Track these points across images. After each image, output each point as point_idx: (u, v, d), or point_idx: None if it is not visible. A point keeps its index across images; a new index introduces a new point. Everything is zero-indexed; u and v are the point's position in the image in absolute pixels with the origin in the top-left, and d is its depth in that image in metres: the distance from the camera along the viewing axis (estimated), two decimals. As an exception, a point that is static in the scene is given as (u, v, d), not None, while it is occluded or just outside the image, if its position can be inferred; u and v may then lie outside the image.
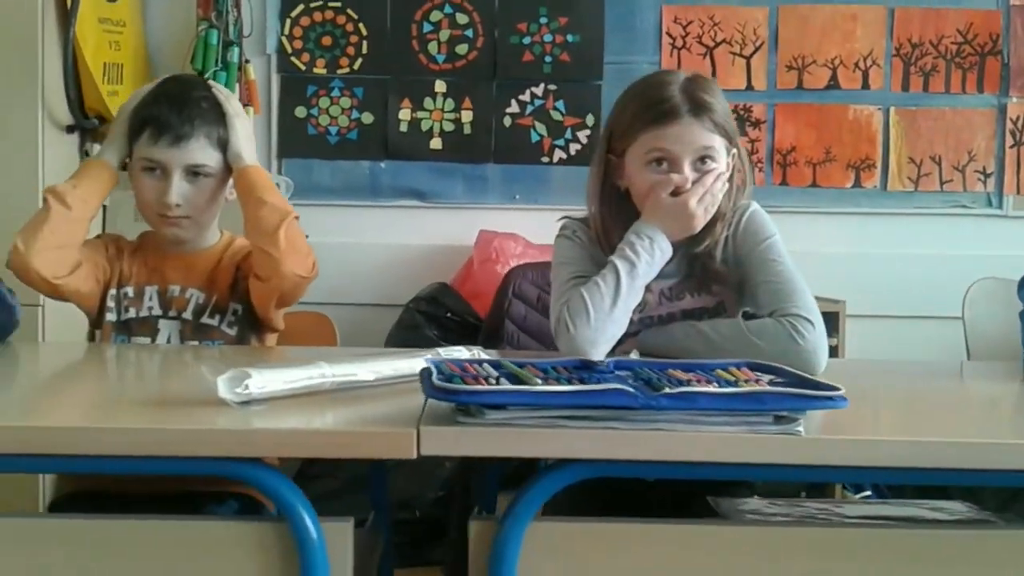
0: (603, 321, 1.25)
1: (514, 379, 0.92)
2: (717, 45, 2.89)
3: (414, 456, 0.87)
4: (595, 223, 1.40)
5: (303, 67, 2.94)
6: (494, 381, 0.92)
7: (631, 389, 0.87)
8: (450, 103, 2.93)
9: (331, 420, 0.97)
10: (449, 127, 2.93)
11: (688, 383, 0.92)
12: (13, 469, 1.10)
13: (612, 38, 2.89)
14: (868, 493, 2.16)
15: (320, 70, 2.94)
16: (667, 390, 0.88)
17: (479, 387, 0.88)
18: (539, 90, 2.91)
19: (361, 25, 2.93)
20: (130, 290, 1.53)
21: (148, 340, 1.52)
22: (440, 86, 2.93)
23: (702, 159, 1.31)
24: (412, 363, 1.12)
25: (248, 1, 2.84)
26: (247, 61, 2.82)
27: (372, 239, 2.91)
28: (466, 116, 2.93)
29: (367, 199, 2.94)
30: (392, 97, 2.92)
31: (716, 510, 1.18)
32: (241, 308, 1.55)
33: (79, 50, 2.46)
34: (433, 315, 2.71)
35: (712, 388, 0.90)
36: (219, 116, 1.50)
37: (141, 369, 1.38)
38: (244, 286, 1.55)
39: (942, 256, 2.79)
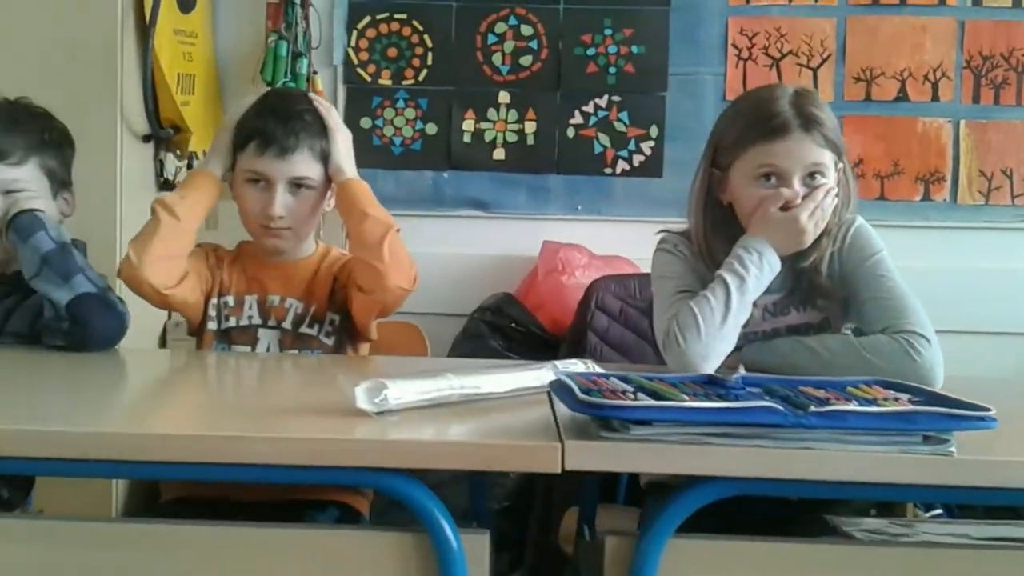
0: (714, 336, 1.25)
1: (655, 395, 0.93)
2: (783, 56, 2.87)
3: (558, 471, 0.87)
4: (697, 237, 1.40)
5: (369, 78, 2.97)
6: (632, 396, 0.92)
7: (780, 407, 0.87)
8: (513, 114, 2.95)
9: (467, 432, 0.98)
10: (512, 138, 2.95)
11: (828, 401, 0.91)
12: (145, 476, 1.11)
13: (677, 49, 2.89)
14: (939, 512, 2.14)
15: (385, 81, 2.97)
16: (813, 408, 0.88)
17: (625, 402, 0.88)
18: (603, 101, 2.92)
19: (426, 37, 2.95)
20: (230, 299, 1.56)
21: (248, 349, 1.55)
22: (504, 97, 2.95)
23: (811, 174, 1.31)
24: (533, 375, 1.13)
25: (316, 13, 2.87)
26: (315, 72, 2.85)
27: (435, 249, 2.92)
28: (529, 127, 2.94)
29: (430, 209, 2.96)
30: (456, 108, 2.95)
31: (836, 528, 1.17)
32: (338, 318, 1.57)
33: (156, 61, 2.50)
34: (497, 325, 2.72)
35: (855, 407, 0.89)
36: (322, 129, 1.52)
37: (262, 377, 1.39)
38: (341, 296, 1.57)
39: (1013, 270, 2.75)
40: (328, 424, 1.00)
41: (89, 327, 1.38)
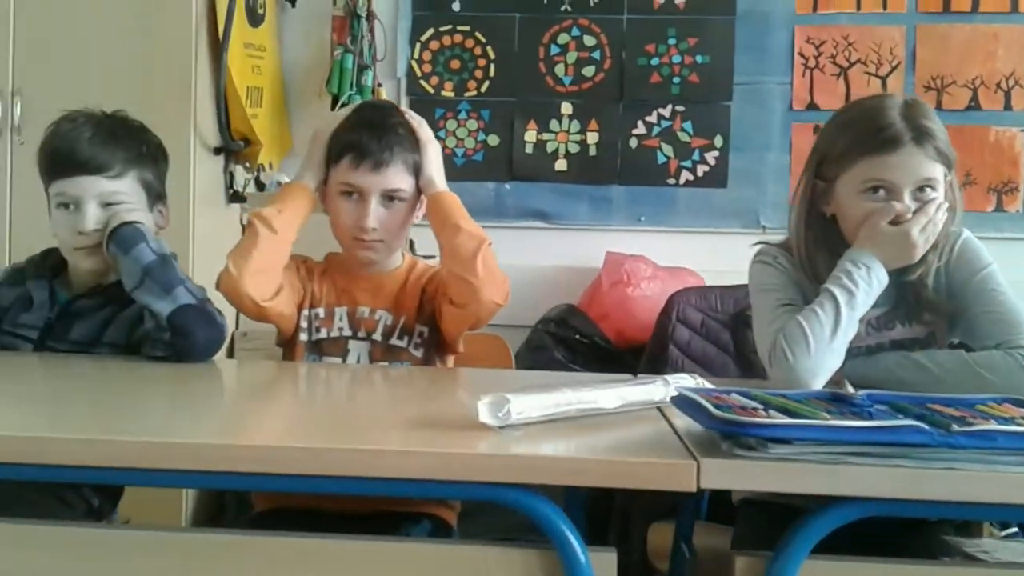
0: (823, 351, 1.23)
1: (786, 412, 0.91)
2: (851, 65, 2.84)
3: (693, 489, 0.86)
4: (798, 249, 1.38)
5: (431, 90, 2.99)
6: (764, 413, 0.91)
7: (924, 426, 0.85)
8: (576, 125, 2.94)
9: (593, 448, 0.97)
10: (574, 149, 2.95)
11: (966, 420, 0.89)
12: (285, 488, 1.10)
13: (742, 58, 2.87)
14: (1014, 530, 2.09)
15: (448, 93, 2.98)
16: (956, 428, 0.86)
17: (765, 420, 0.86)
18: (666, 111, 2.91)
19: (489, 48, 2.96)
20: (321, 311, 1.56)
21: (339, 360, 1.55)
22: (566, 108, 2.95)
23: (921, 188, 1.28)
24: (644, 390, 1.11)
25: (381, 26, 2.90)
26: (379, 85, 2.87)
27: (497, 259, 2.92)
28: (592, 138, 2.94)
29: (492, 220, 2.93)
30: (518, 119, 2.95)
31: (957, 549, 1.14)
32: (427, 330, 1.57)
33: (228, 75, 2.54)
34: (561, 336, 2.71)
35: (1000, 427, 0.87)
36: (414, 142, 1.52)
37: (366, 389, 1.39)
38: (430, 308, 1.57)
39: (1089, 282, 2.69)
40: (448, 438, 0.99)
41: (191, 338, 1.40)
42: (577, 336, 2.70)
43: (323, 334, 1.55)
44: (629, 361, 2.71)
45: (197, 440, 1.00)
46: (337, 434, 1.08)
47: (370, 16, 2.85)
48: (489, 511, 1.97)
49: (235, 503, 2.54)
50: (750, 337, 1.40)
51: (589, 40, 2.93)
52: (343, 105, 2.79)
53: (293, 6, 2.94)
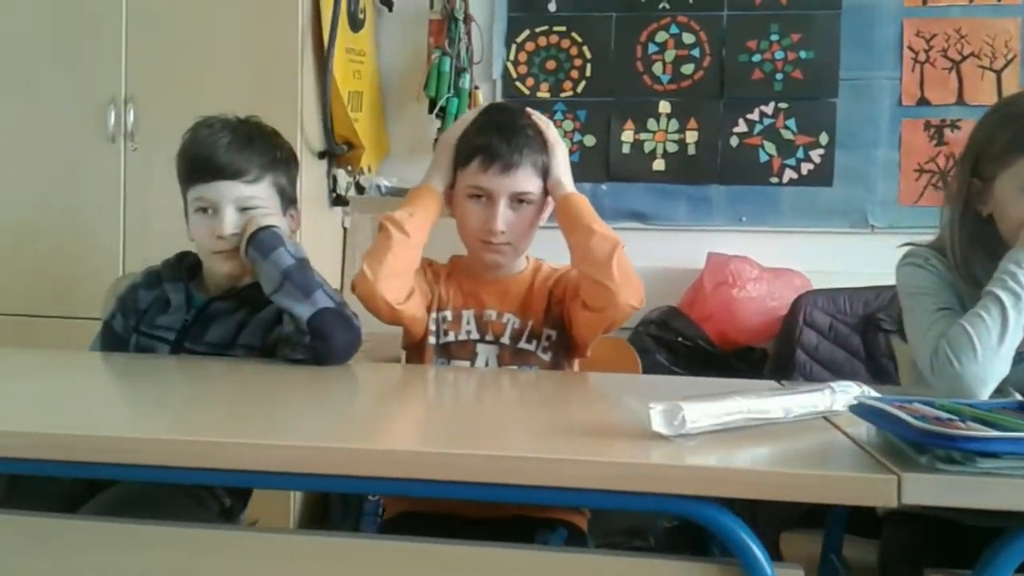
0: (991, 357, 1.17)
1: (986, 423, 0.86)
2: (964, 59, 2.73)
3: (895, 504, 0.82)
4: (953, 251, 1.32)
5: (527, 91, 2.97)
6: (962, 425, 0.86)
7: None
8: (674, 124, 2.90)
9: (777, 459, 0.93)
10: (673, 148, 2.90)
11: None
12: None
13: (848, 53, 2.79)
14: None
15: (544, 94, 2.96)
16: None
17: (972, 432, 0.82)
18: (769, 108, 2.84)
19: (585, 48, 2.94)
20: (448, 314, 1.55)
21: (467, 363, 1.54)
22: (664, 107, 2.90)
23: None
24: (810, 399, 1.07)
25: (478, 28, 2.89)
26: (476, 87, 2.87)
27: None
28: (691, 137, 2.89)
29: (589, 221, 2.93)
30: (615, 119, 2.92)
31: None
32: (555, 333, 1.54)
33: (333, 80, 2.56)
34: (663, 339, 2.66)
35: None
36: (542, 144, 1.51)
37: (518, 395, 1.37)
38: (557, 311, 1.55)
39: None
40: (619, 446, 0.97)
41: (330, 342, 1.40)
42: (679, 338, 2.65)
43: (451, 337, 1.54)
44: (733, 364, 2.65)
45: (337, 445, 0.99)
46: (492, 439, 1.06)
47: (467, 19, 2.85)
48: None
49: (340, 503, 2.56)
50: (881, 341, 1.34)
51: (688, 37, 2.88)
52: (441, 108, 2.80)
53: (390, 10, 2.96)
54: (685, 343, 2.65)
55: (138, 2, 2.52)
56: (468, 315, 1.55)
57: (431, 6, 2.87)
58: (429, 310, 1.54)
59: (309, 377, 1.39)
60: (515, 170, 1.47)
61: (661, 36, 2.90)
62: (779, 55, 2.83)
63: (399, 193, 2.83)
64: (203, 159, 1.49)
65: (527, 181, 1.48)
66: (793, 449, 0.96)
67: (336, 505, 2.56)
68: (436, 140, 2.84)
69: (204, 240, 1.51)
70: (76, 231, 2.55)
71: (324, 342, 1.40)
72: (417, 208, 1.49)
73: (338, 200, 2.72)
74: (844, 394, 1.08)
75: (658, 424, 0.94)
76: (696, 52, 2.88)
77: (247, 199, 1.50)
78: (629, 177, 2.91)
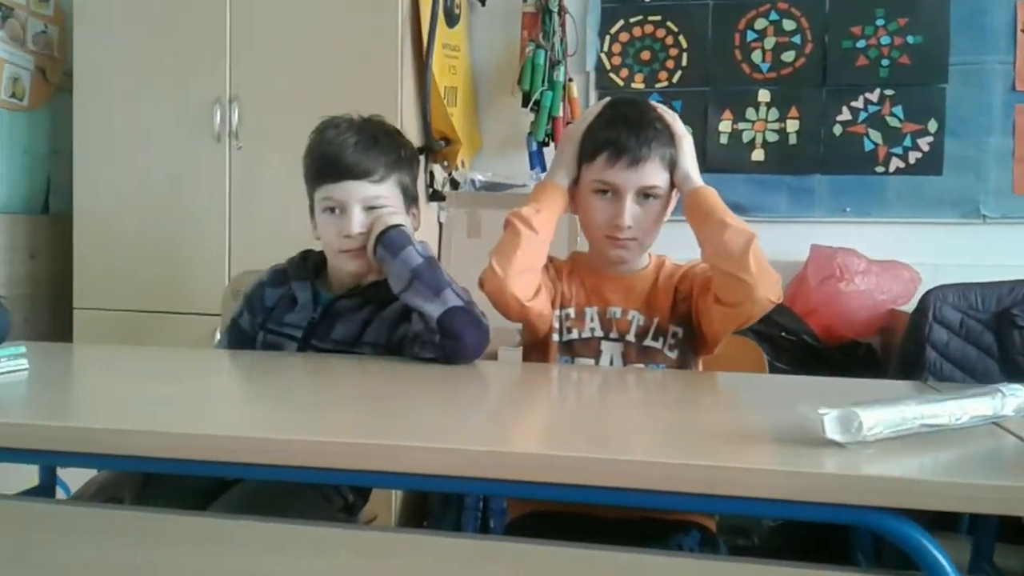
0: None
1: None
2: (1085, 40, 2.61)
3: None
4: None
5: (621, 83, 2.94)
6: None
7: None
8: (774, 112, 2.83)
9: (952, 467, 0.89)
10: (773, 137, 2.83)
11: None
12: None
13: (958, 38, 2.68)
14: None
15: (638, 85, 2.92)
16: None
17: None
18: (874, 96, 2.75)
19: (681, 38, 2.88)
20: (571, 311, 1.53)
21: (591, 361, 1.52)
22: (764, 95, 2.83)
23: None
24: (982, 404, 1.02)
25: (572, 20, 2.86)
26: (570, 80, 2.84)
27: (695, 254, 2.84)
28: (792, 125, 2.82)
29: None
30: (712, 109, 2.86)
31: None
32: (681, 331, 1.51)
33: (432, 76, 2.56)
34: (765, 333, 2.59)
35: None
36: (670, 137, 1.48)
37: (643, 395, 1.35)
38: (684, 308, 1.52)
39: None
40: (785, 454, 0.93)
41: (461, 340, 1.39)
42: (783, 333, 2.58)
43: (574, 335, 1.53)
44: (838, 359, 2.58)
45: (463, 447, 0.97)
46: (625, 442, 1.04)
47: (561, 11, 2.82)
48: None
49: (441, 498, 2.57)
50: (1017, 338, 1.28)
51: (788, 24, 2.81)
52: (535, 102, 2.78)
53: (483, 5, 2.95)
54: (788, 338, 2.58)
55: (241, 3, 2.55)
56: (592, 312, 1.53)
57: (524, 0, 2.85)
58: (552, 307, 1.53)
59: (435, 376, 1.38)
60: (643, 164, 1.44)
61: (760, 23, 2.83)
62: (885, 40, 2.74)
63: (493, 188, 2.82)
64: (331, 159, 1.50)
65: (655, 175, 1.45)
66: (970, 457, 0.92)
67: (437, 500, 2.57)
68: (530, 133, 2.83)
69: (331, 239, 1.52)
70: (184, 228, 2.61)
71: (454, 341, 1.39)
72: (543, 204, 1.47)
73: (435, 195, 2.72)
74: (1014, 397, 1.03)
75: (833, 431, 0.91)
76: (797, 39, 2.80)
77: (374, 198, 1.50)
78: (727, 168, 2.85)
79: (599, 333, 1.52)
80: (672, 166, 1.48)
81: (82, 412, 1.14)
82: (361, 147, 1.50)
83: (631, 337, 1.51)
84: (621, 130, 1.44)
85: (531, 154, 2.85)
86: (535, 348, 1.56)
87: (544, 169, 2.84)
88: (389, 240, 1.45)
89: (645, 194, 1.47)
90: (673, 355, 1.51)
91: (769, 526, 2.54)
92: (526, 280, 1.42)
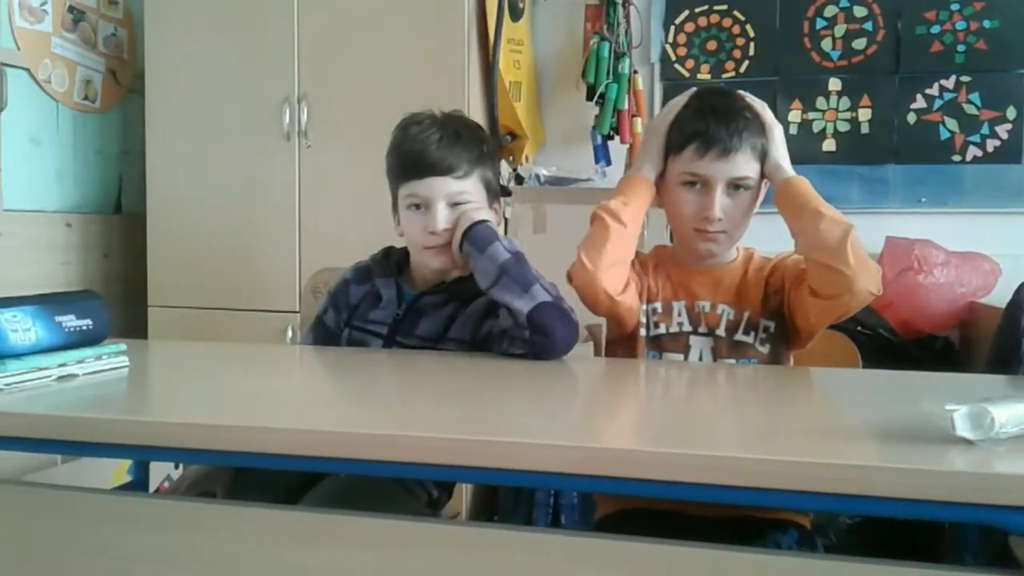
0: None
1: None
2: None
3: None
4: None
5: (687, 73, 2.90)
6: None
7: None
8: (845, 102, 2.77)
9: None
10: (844, 127, 2.77)
11: None
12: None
13: (1038, 20, 2.60)
14: None
15: (704, 75, 2.88)
16: None
17: None
18: (950, 83, 2.68)
19: (748, 27, 2.84)
20: (658, 305, 1.51)
21: (680, 357, 1.49)
22: (834, 84, 2.78)
23: None
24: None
25: (637, 11, 2.83)
26: (635, 72, 2.81)
27: (765, 246, 2.80)
28: (864, 115, 2.76)
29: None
30: (781, 98, 2.81)
31: None
32: (773, 325, 1.48)
33: (499, 72, 2.55)
34: (841, 327, 2.52)
35: None
36: (760, 127, 1.45)
37: (733, 391, 1.32)
38: (775, 302, 1.49)
39: None
40: (912, 451, 0.90)
41: (551, 336, 1.38)
42: (858, 327, 2.53)
43: (662, 329, 1.50)
44: (915, 354, 2.52)
45: (548, 442, 0.94)
46: (718, 437, 1.01)
47: (625, 2, 2.80)
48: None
49: (512, 492, 2.57)
50: None
51: (859, 11, 2.75)
52: (601, 96, 2.76)
53: (546, -2, 2.93)
54: (864, 332, 2.53)
55: (310, 3, 2.57)
56: (679, 306, 1.51)
57: (588, -9, 2.83)
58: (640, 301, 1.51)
59: (522, 371, 1.37)
60: (734, 155, 1.41)
61: (830, 10, 2.77)
62: (960, 25, 2.66)
63: (558, 182, 2.80)
64: (415, 156, 1.49)
65: (746, 166, 1.43)
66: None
67: (508, 493, 2.56)
68: (594, 127, 2.81)
69: (416, 236, 1.52)
70: (254, 226, 2.64)
71: (545, 336, 1.38)
72: (631, 197, 1.45)
73: (502, 191, 2.71)
74: None
75: (963, 428, 0.88)
76: (869, 25, 2.74)
77: (458, 194, 1.50)
78: (797, 159, 2.68)
79: (687, 328, 1.50)
80: (763, 156, 1.46)
81: (177, 408, 1.15)
82: (445, 143, 1.49)
83: (721, 332, 1.48)
84: (710, 120, 1.42)
85: (595, 148, 2.82)
86: (620, 343, 1.54)
87: (609, 163, 2.82)
88: (476, 236, 1.45)
89: (735, 185, 1.44)
90: (765, 349, 1.48)
91: (846, 523, 2.49)
92: (616, 274, 1.41)
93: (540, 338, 1.39)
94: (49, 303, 1.18)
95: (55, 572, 1.05)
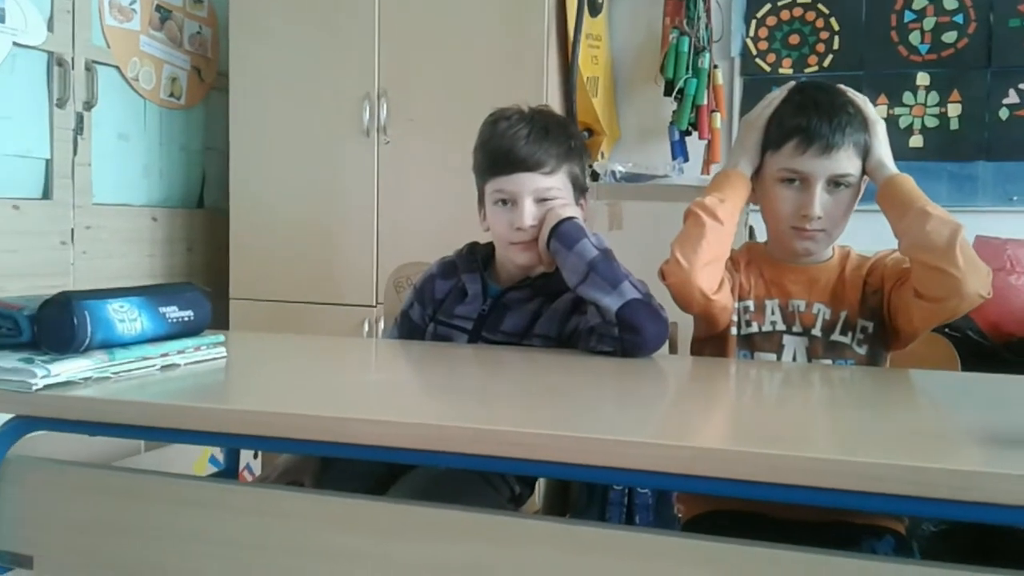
0: None
1: None
2: None
3: None
4: None
5: (768, 68, 2.84)
6: None
7: None
8: (934, 96, 2.68)
9: None
10: (932, 123, 2.69)
11: None
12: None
13: None
14: None
15: (786, 70, 2.82)
16: None
17: None
18: (1046, 77, 2.58)
19: (832, 20, 2.77)
20: (750, 303, 1.48)
21: (772, 356, 1.46)
22: (922, 79, 2.69)
23: None
24: None
25: (717, 5, 2.79)
26: (715, 66, 2.77)
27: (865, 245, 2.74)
28: (953, 110, 2.67)
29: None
30: (867, 93, 2.61)
31: None
32: (872, 325, 1.44)
33: (579, 68, 2.53)
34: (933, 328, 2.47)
35: None
36: (863, 123, 1.41)
37: (830, 393, 1.29)
38: (874, 302, 1.44)
39: None
40: (1012, 456, 0.87)
41: (642, 333, 1.36)
42: (947, 329, 2.43)
43: (754, 328, 1.47)
44: (1006, 357, 2.43)
45: (631, 439, 0.92)
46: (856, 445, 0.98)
47: (707, -4, 2.76)
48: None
49: (585, 488, 2.55)
50: None
51: (950, 3, 2.66)
52: (679, 91, 2.72)
53: (624, -8, 2.91)
54: (953, 334, 2.43)
55: (390, 0, 2.59)
56: (772, 305, 1.48)
57: (667, -15, 2.79)
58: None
59: (610, 369, 1.36)
60: (836, 151, 1.37)
61: (919, 3, 2.69)
62: (1059, 16, 2.56)
63: (634, 179, 2.77)
64: (504, 152, 1.49)
65: (848, 162, 1.39)
66: None
67: (581, 491, 2.54)
68: (671, 123, 2.78)
69: (503, 231, 1.51)
70: (334, 221, 2.67)
71: (635, 334, 1.36)
72: (727, 193, 1.43)
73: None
74: None
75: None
76: (959, 18, 2.65)
77: (545, 190, 1.49)
78: None
79: (781, 327, 1.47)
80: (865, 153, 1.42)
81: (274, 398, 1.17)
82: (533, 139, 1.48)
83: (817, 331, 1.45)
84: (812, 115, 1.38)
85: (673, 143, 2.79)
86: (708, 342, 1.51)
87: (686, 159, 2.78)
88: (563, 233, 1.44)
89: (836, 183, 1.40)
90: (862, 351, 1.44)
91: (930, 531, 2.42)
92: (711, 272, 1.38)
93: (630, 335, 1.37)
94: (153, 294, 1.20)
95: (153, 555, 1.08)
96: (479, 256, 1.61)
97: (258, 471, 2.43)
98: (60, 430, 1.08)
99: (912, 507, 0.92)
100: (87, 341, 1.06)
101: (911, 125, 2.70)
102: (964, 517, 0.86)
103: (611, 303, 1.38)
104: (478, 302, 1.57)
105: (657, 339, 1.39)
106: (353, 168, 2.64)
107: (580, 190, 1.57)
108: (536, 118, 1.53)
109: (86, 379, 1.06)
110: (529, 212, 1.49)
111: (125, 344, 1.14)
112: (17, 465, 1.11)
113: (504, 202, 1.51)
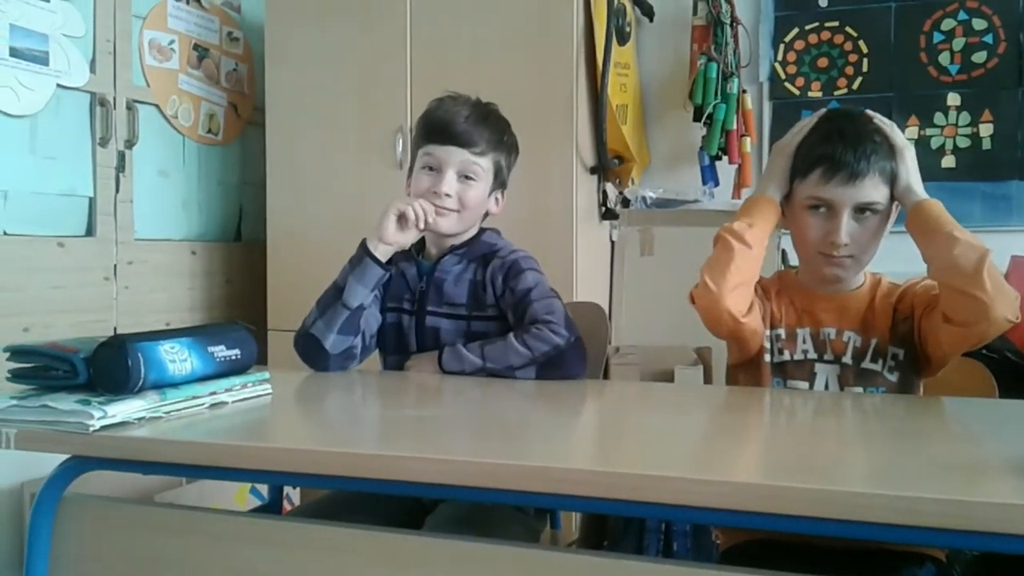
0: None
1: None
2: None
3: None
4: None
5: (797, 92, 2.86)
6: None
7: None
8: (965, 117, 2.68)
9: None
10: (964, 143, 2.68)
11: None
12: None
13: None
14: None
15: (815, 93, 2.83)
16: None
17: None
18: (1079, 95, 2.56)
19: (861, 42, 2.78)
20: (782, 332, 1.49)
21: (805, 384, 1.47)
22: (953, 99, 2.69)
23: None
24: None
25: (744, 31, 2.81)
26: (744, 91, 2.78)
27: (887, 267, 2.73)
28: (985, 130, 2.66)
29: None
30: (897, 115, 2.73)
31: None
32: (903, 352, 1.45)
33: (608, 97, 2.56)
34: (970, 352, 2.44)
35: None
36: (890, 150, 1.42)
37: (860, 419, 1.29)
38: (904, 329, 1.45)
39: None
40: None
41: (565, 375, 1.51)
42: (983, 350, 2.41)
43: (786, 356, 1.48)
44: (1046, 379, 2.40)
45: (663, 473, 0.93)
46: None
47: (734, 22, 2.78)
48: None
49: (622, 522, 2.55)
50: None
51: (979, 23, 2.66)
52: (708, 116, 2.74)
53: (651, 21, 2.94)
54: (990, 355, 2.41)
55: (421, 36, 2.65)
56: (803, 333, 1.49)
57: (695, 12, 2.82)
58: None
59: (643, 401, 1.38)
60: (861, 179, 1.39)
61: (948, 23, 2.69)
62: (1090, 35, 2.54)
63: (664, 204, 2.80)
64: (443, 123, 1.60)
65: (874, 190, 1.40)
66: None
67: (618, 519, 2.55)
68: (701, 148, 2.79)
69: (422, 193, 1.62)
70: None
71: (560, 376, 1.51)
72: (756, 218, 1.45)
73: (608, 214, 2.72)
74: None
75: None
76: (989, 38, 2.65)
77: (471, 166, 1.60)
78: None
79: (812, 355, 1.48)
80: (892, 179, 1.43)
81: (313, 435, 1.20)
82: (472, 120, 1.60)
83: (848, 359, 1.45)
84: (837, 144, 1.40)
85: (703, 169, 2.81)
86: (744, 368, 1.53)
87: (716, 183, 2.80)
88: (448, 367, 1.57)
89: (862, 209, 1.41)
90: (893, 377, 1.44)
91: (973, 555, 2.39)
92: (739, 295, 1.40)
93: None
94: (202, 334, 1.25)
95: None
96: (413, 246, 1.71)
97: (297, 501, 2.47)
98: (115, 469, 1.12)
99: (951, 540, 0.93)
100: (141, 382, 1.11)
101: (943, 146, 2.69)
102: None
103: (527, 375, 1.52)
104: (415, 282, 1.68)
105: (576, 370, 1.52)
106: (386, 200, 2.67)
107: (500, 183, 1.68)
108: (480, 106, 1.66)
109: (140, 419, 1.10)
110: (450, 181, 1.60)
111: (176, 384, 1.18)
112: (73, 504, 1.15)
113: (431, 168, 1.62)
